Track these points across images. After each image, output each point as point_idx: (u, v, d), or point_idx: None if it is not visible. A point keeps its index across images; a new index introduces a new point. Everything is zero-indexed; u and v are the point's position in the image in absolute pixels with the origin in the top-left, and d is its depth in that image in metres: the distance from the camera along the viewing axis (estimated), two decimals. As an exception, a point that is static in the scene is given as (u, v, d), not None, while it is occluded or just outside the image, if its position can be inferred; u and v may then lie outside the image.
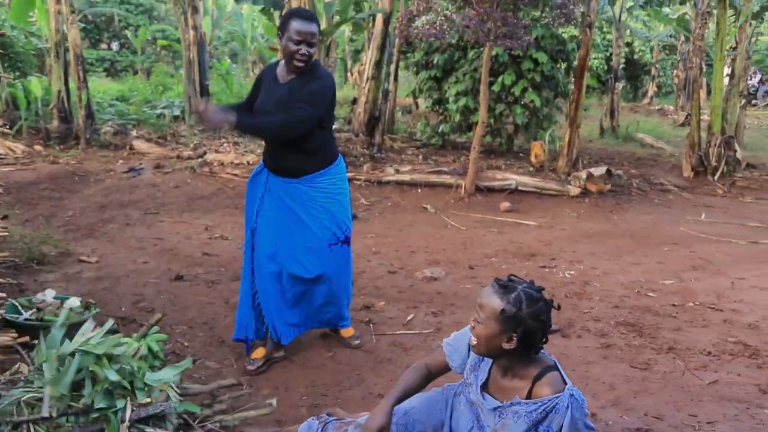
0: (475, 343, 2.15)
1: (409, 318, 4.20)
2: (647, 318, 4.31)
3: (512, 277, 2.16)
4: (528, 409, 2.06)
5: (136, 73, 21.58)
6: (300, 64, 3.13)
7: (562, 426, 2.02)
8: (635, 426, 2.88)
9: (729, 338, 3.97)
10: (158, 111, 13.02)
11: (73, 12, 10.24)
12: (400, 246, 6.12)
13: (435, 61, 10.84)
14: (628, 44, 21.79)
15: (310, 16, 3.13)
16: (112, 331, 2.72)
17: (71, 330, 2.63)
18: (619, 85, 15.86)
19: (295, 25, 3.07)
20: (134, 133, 10.70)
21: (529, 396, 2.10)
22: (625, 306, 4.55)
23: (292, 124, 3.16)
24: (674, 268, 5.62)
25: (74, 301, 3.69)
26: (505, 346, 2.07)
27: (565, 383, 2.08)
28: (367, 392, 3.18)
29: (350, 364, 3.50)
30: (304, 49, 3.09)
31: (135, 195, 7.65)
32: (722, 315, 4.41)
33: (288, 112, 3.15)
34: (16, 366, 2.68)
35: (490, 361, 2.24)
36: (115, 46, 24.03)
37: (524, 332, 2.04)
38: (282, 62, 3.30)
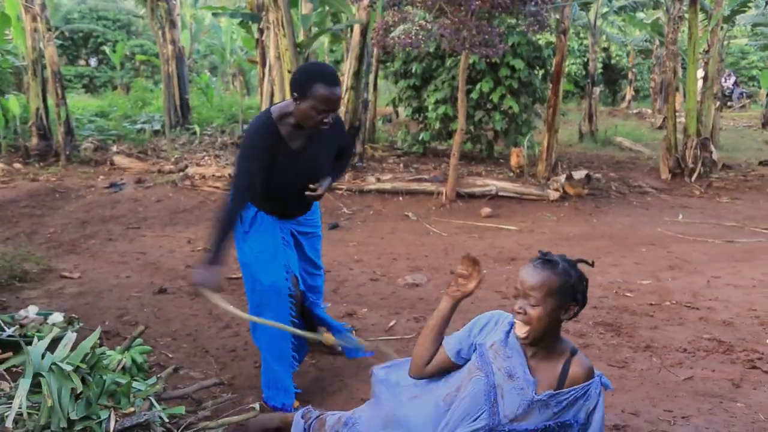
0: (526, 330, 2.07)
1: (391, 324, 4.25)
2: (625, 317, 4.40)
3: (545, 252, 2.16)
4: (559, 398, 2.06)
5: (115, 88, 21.51)
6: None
7: (591, 412, 2.04)
8: (612, 423, 2.95)
9: (704, 335, 4.06)
10: (138, 126, 13.01)
11: (49, 29, 10.23)
12: (382, 253, 6.17)
13: (413, 70, 10.94)
14: (605, 49, 22.08)
15: (335, 80, 2.73)
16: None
17: (54, 345, 2.65)
18: (597, 90, 16.09)
19: (322, 91, 2.67)
20: (114, 148, 10.69)
21: (563, 374, 2.08)
22: (604, 306, 4.63)
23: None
24: (652, 268, 5.73)
25: (57, 317, 3.71)
26: (564, 317, 2.08)
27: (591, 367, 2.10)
28: (349, 397, 3.22)
29: (332, 370, 3.54)
30: (329, 117, 2.76)
31: (116, 210, 7.64)
32: (698, 313, 4.51)
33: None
34: (-3, 384, 2.69)
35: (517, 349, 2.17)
36: (93, 62, 23.95)
37: (582, 296, 2.09)
38: (276, 118, 2.86)
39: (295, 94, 2.75)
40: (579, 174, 8.89)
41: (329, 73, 2.75)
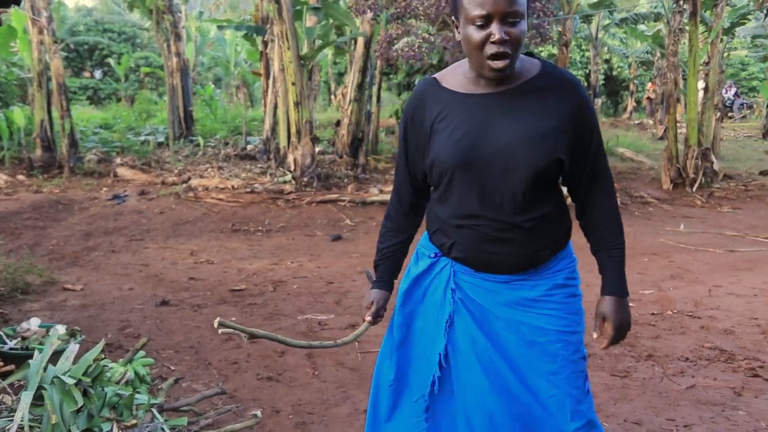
0: None
1: (394, 335, 4.25)
2: (627, 328, 4.39)
3: None
4: None
5: (119, 100, 21.67)
6: (499, 65, 1.57)
7: None
8: (614, 433, 2.95)
9: (706, 344, 4.06)
10: (142, 138, 13.09)
11: (55, 42, 10.33)
12: (385, 265, 6.17)
13: (416, 82, 10.99)
14: (607, 61, 22.17)
15: None
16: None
17: (56, 358, 2.67)
18: (599, 101, 16.15)
19: None
20: (118, 160, 10.75)
21: None
22: (606, 317, 4.62)
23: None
24: (653, 278, 5.73)
25: (59, 329, 3.72)
26: None
27: None
28: (353, 409, 3.22)
29: (336, 381, 3.54)
30: (497, 31, 1.54)
31: (120, 222, 7.67)
32: (700, 322, 4.51)
33: (601, 179, 1.76)
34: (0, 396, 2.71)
35: None
36: (98, 74, 24.12)
37: None
38: (455, 71, 1.80)
39: (453, 20, 1.76)
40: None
41: None
